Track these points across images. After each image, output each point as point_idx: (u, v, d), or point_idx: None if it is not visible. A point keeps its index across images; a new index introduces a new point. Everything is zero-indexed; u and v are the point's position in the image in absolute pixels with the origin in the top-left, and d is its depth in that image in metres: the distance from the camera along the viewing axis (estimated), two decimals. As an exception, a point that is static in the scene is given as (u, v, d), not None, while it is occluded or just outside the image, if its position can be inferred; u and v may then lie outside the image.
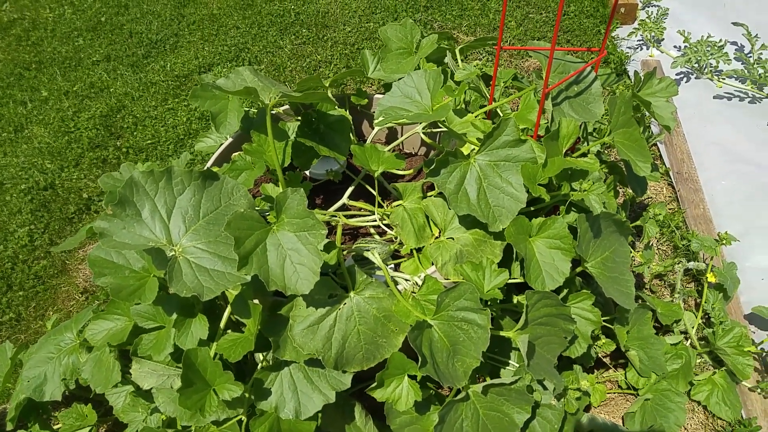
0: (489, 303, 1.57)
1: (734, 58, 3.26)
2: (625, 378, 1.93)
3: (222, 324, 1.48)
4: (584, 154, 1.77)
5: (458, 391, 1.36)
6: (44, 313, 2.41)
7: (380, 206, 1.82)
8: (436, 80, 1.60)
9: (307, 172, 2.09)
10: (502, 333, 1.42)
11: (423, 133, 1.91)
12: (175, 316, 1.43)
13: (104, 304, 2.34)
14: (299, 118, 1.89)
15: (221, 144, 2.02)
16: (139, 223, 1.28)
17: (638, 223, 2.07)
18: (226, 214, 1.35)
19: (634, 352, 1.84)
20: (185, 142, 3.15)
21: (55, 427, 1.84)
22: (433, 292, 1.45)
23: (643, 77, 1.81)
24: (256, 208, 1.68)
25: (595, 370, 2.15)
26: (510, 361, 1.54)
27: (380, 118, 1.56)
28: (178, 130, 3.20)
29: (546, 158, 1.50)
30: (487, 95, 1.94)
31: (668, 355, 1.95)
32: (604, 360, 2.15)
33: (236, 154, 1.81)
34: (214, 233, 1.32)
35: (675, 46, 3.44)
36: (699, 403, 1.98)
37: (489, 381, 1.35)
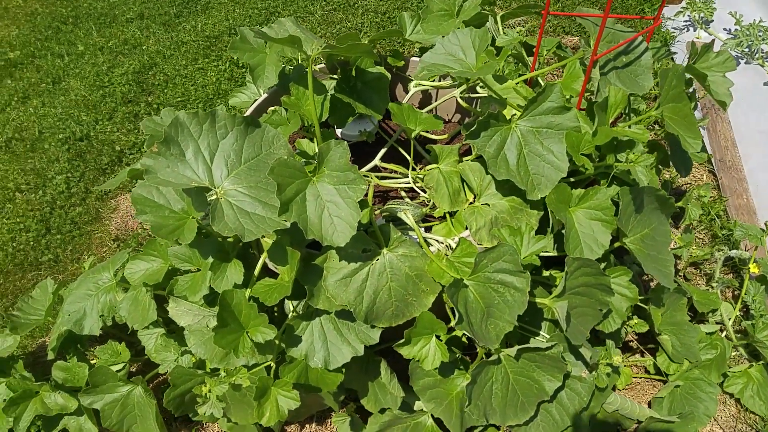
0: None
1: (788, 44, 3.14)
2: (655, 362, 1.90)
3: (256, 271, 1.49)
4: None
5: (489, 354, 1.35)
6: (80, 257, 2.47)
7: (414, 169, 1.80)
8: (482, 39, 1.57)
9: (338, 133, 2.08)
10: (538, 300, 1.40)
11: (460, 97, 1.88)
12: (211, 259, 1.44)
13: (135, 251, 2.39)
14: (334, 76, 1.87)
15: (255, 100, 2.02)
16: (182, 163, 1.29)
17: (680, 204, 2.01)
18: (267, 161, 1.35)
19: (667, 336, 1.80)
20: (214, 102, 3.17)
21: (91, 360, 1.90)
22: (468, 255, 1.44)
23: (699, 49, 1.74)
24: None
25: (622, 353, 2.12)
26: (541, 332, 1.52)
27: (423, 73, 1.54)
28: (207, 90, 3.22)
29: (596, 126, 1.46)
30: (528, 64, 1.90)
31: (702, 344, 1.90)
32: (631, 344, 2.12)
33: (271, 108, 1.81)
34: (255, 178, 1.32)
35: (725, 29, 3.31)
36: (732, 395, 1.93)
37: (523, 345, 1.34)
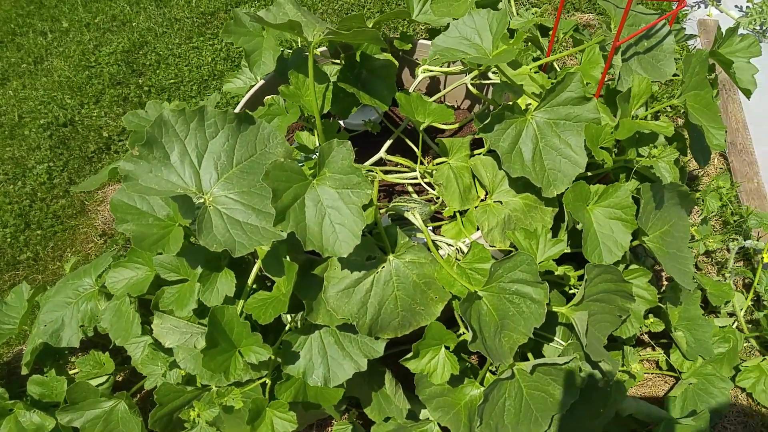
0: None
1: (802, 21, 3.01)
2: (668, 360, 1.82)
3: (250, 281, 1.38)
4: (654, 117, 1.61)
5: (503, 369, 1.26)
6: (62, 254, 2.34)
7: (421, 163, 1.69)
8: (501, 22, 1.44)
9: (341, 123, 1.95)
10: (555, 308, 1.31)
11: (471, 84, 1.75)
12: (200, 269, 1.33)
13: (124, 249, 2.26)
14: (336, 61, 1.74)
15: (252, 86, 1.88)
16: (167, 167, 1.16)
17: (697, 195, 1.91)
18: (262, 162, 1.23)
19: (681, 333, 1.72)
20: (209, 84, 3.00)
21: (71, 372, 1.79)
22: (480, 260, 1.33)
23: (724, 33, 1.62)
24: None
25: (634, 348, 2.05)
26: (555, 338, 1.43)
27: (435, 58, 1.41)
28: (202, 71, 3.05)
29: (619, 119, 1.35)
30: (544, 47, 1.77)
31: (715, 338, 1.83)
32: (642, 338, 2.04)
33: (269, 97, 1.67)
34: (248, 183, 1.20)
35: (736, 6, 3.17)
36: (743, 389, 1.87)
37: (538, 360, 1.24)
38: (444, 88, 2.00)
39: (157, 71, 3.11)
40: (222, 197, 1.17)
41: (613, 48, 1.45)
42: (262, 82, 1.84)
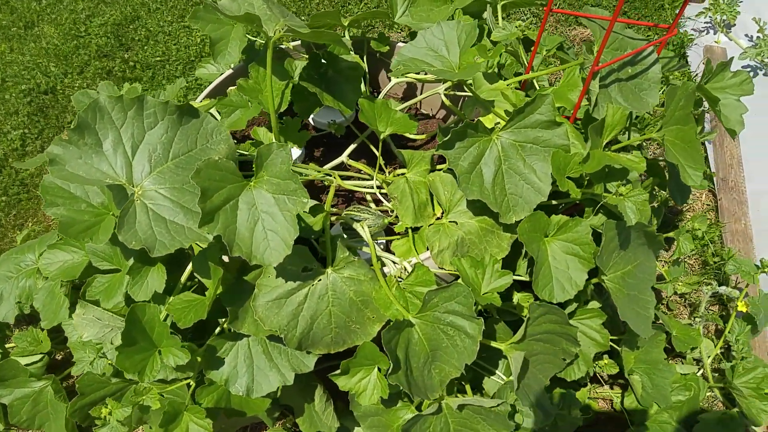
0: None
1: (813, 61, 2.91)
2: (622, 403, 1.76)
3: (183, 278, 1.32)
4: (626, 148, 1.53)
5: (428, 403, 1.19)
6: (23, 223, 2.30)
7: (382, 171, 1.62)
8: (469, 34, 1.37)
9: (310, 119, 1.89)
10: (493, 344, 1.24)
11: (445, 95, 1.68)
12: (132, 261, 1.27)
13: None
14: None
15: (222, 74, 1.82)
16: (98, 155, 1.10)
17: (671, 234, 1.84)
18: (201, 158, 1.17)
19: (638, 377, 1.66)
20: (195, 65, 2.95)
21: (7, 345, 1.74)
22: (422, 283, 1.27)
23: (715, 67, 1.54)
24: (244, 154, 1.49)
25: (588, 384, 1.98)
26: (497, 371, 1.36)
27: (398, 68, 1.34)
28: (190, 51, 2.98)
29: (589, 151, 1.28)
30: (526, 62, 1.69)
31: (675, 385, 1.76)
32: (601, 376, 1.98)
33: (232, 88, 1.61)
34: (182, 179, 1.14)
35: (746, 35, 3.08)
36: (701, 442, 1.80)
37: (465, 399, 1.18)
38: (420, 94, 1.93)
39: (145, 47, 3.05)
40: (152, 192, 1.11)
41: (591, 72, 1.38)
42: (231, 71, 1.78)
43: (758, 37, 2.89)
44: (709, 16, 3.16)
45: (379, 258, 1.41)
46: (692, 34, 3.11)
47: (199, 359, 1.29)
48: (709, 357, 1.94)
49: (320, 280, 1.25)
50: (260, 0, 1.41)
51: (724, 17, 3.07)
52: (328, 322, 1.25)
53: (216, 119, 1.19)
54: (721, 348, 2.00)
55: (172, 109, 1.14)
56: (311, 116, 1.88)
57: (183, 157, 1.16)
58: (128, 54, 3.02)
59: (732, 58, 1.61)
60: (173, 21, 3.17)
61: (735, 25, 3.12)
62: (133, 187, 1.11)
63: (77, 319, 1.24)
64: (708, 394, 1.92)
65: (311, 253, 1.51)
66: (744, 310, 1.94)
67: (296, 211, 1.10)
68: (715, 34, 3.11)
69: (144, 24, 3.17)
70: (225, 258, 1.32)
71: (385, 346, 1.07)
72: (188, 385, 1.35)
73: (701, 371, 1.94)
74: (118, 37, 3.10)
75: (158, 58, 2.97)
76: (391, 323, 1.12)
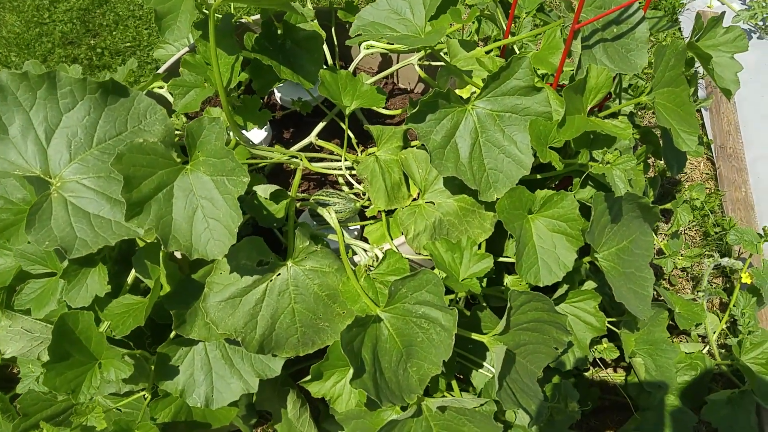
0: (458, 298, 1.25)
1: (809, 19, 2.77)
2: (625, 387, 1.63)
3: (130, 279, 1.18)
4: (614, 115, 1.40)
5: (408, 406, 1.06)
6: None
7: (354, 151, 1.48)
8: (434, -7, 1.22)
9: (278, 98, 1.74)
10: (474, 336, 1.11)
11: (419, 65, 1.54)
12: (66, 262, 1.13)
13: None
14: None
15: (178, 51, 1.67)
16: (3, 142, 0.96)
17: (668, 206, 1.71)
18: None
19: (641, 359, 1.53)
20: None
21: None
22: (394, 272, 1.13)
23: (706, 23, 1.40)
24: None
25: (590, 368, 1.86)
26: (485, 364, 1.23)
27: (356, 35, 1.20)
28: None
29: (564, 115, 1.14)
30: (504, 27, 1.55)
31: (680, 365, 1.63)
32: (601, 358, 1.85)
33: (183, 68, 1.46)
34: (108, 167, 0.99)
35: (739, -1, 2.94)
36: (709, 424, 1.68)
37: (445, 400, 1.04)
38: (396, 65, 1.78)
39: (114, 32, 2.90)
40: (72, 183, 0.97)
41: (572, 31, 1.24)
42: (186, 49, 1.63)
43: (751, 0, 2.74)
44: (700, -22, 3.01)
45: (348, 246, 1.27)
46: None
47: (152, 368, 1.15)
48: (714, 333, 1.82)
49: (279, 274, 1.11)
50: (200, -36, 1.26)
51: (716, -22, 2.93)
52: (292, 321, 1.11)
53: (149, 98, 1.04)
54: (726, 323, 1.87)
55: (93, 87, 1.00)
56: (279, 94, 1.74)
57: (110, 142, 1.01)
58: (95, 40, 2.86)
59: (724, 13, 1.47)
60: (144, 4, 3.02)
61: (727, -14, 2.98)
62: (50, 177, 0.96)
63: (1, 332, 1.10)
64: (715, 372, 1.80)
65: (277, 244, 1.38)
66: (748, 281, 1.81)
67: (237, 193, 0.96)
68: (706, -3, 2.97)
69: (113, 8, 3.02)
70: (177, 254, 1.18)
71: (345, 349, 0.94)
72: (145, 397, 1.22)
73: (707, 348, 1.82)
74: (85, 22, 2.94)
75: (128, 44, 2.82)
76: (353, 320, 0.98)
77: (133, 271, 1.18)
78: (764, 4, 2.65)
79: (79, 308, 1.10)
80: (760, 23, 2.76)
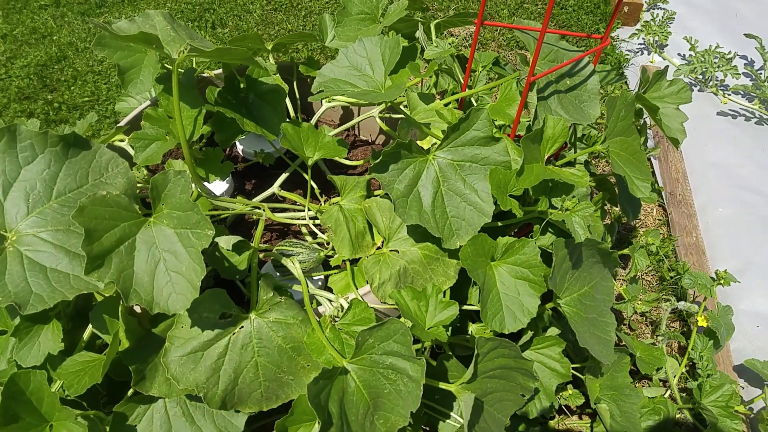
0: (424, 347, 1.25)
1: (743, 72, 2.98)
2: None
3: (86, 335, 1.14)
4: (571, 164, 1.45)
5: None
6: None
7: (317, 201, 1.49)
8: (393, 50, 1.27)
9: (240, 150, 1.75)
10: (442, 385, 1.10)
11: (380, 117, 1.58)
12: (18, 320, 1.08)
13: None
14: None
15: (140, 105, 1.67)
16: (-43, 197, 0.93)
17: (626, 251, 1.76)
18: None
19: (605, 405, 1.54)
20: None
21: None
22: (360, 321, 1.13)
23: (651, 76, 1.49)
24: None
25: (556, 416, 1.86)
26: (452, 414, 1.22)
27: (318, 91, 1.23)
28: (122, 90, 2.83)
29: (522, 164, 1.18)
30: (462, 81, 1.61)
31: (644, 410, 1.65)
32: (567, 405, 1.85)
33: (144, 121, 1.46)
34: (67, 220, 0.97)
35: (679, 54, 3.14)
36: (673, 467, 1.69)
37: (414, 452, 1.03)
38: (357, 117, 1.82)
39: (72, 88, 2.88)
40: (29, 236, 0.94)
41: (528, 83, 1.30)
42: (148, 102, 1.63)
43: (691, 55, 2.94)
44: (642, 38, 3.21)
45: (312, 296, 1.26)
46: (628, 55, 3.14)
47: (107, 429, 1.10)
48: (675, 377, 1.85)
49: (242, 327, 1.09)
50: (164, 22, 1.29)
51: (656, 38, 3.13)
52: (255, 375, 1.09)
53: (111, 151, 1.03)
54: (685, 366, 1.91)
55: (54, 140, 0.99)
56: (241, 147, 1.74)
57: (70, 195, 1.00)
58: (52, 95, 2.84)
59: (667, 67, 1.57)
60: (103, 60, 3.02)
61: (668, 45, 3.18)
62: (5, 231, 0.94)
63: (-54, 395, 1.04)
64: (678, 416, 1.82)
65: (239, 296, 1.36)
66: (704, 324, 1.87)
67: (201, 246, 0.95)
68: (649, 54, 3.16)
69: (71, 64, 3.01)
70: (137, 308, 1.15)
71: (312, 402, 0.92)
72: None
73: (669, 392, 1.85)
74: (42, 78, 2.92)
75: (86, 99, 2.80)
76: (320, 372, 0.97)
77: (89, 327, 1.14)
78: (702, 60, 2.84)
79: (31, 367, 1.05)
80: (700, 76, 2.94)
